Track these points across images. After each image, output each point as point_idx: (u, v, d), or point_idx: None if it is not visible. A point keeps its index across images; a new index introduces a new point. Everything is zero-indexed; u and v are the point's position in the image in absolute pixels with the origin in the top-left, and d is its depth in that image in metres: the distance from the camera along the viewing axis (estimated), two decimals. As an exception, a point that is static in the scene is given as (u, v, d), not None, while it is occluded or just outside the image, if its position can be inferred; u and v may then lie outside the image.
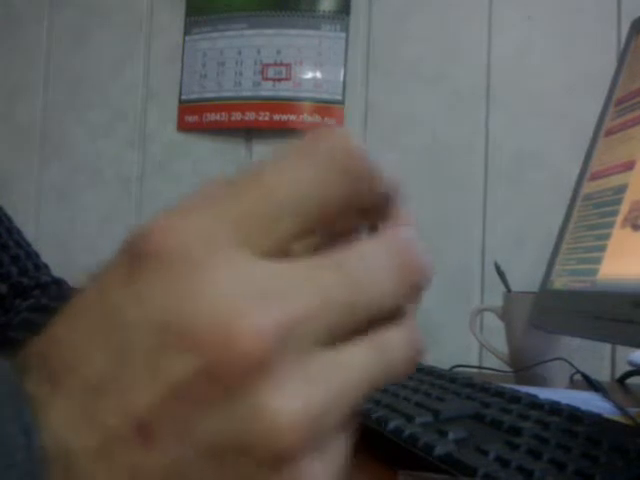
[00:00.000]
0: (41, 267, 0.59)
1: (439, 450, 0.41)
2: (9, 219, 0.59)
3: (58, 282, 0.59)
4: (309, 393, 0.17)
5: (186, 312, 0.17)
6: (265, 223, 0.18)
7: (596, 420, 0.46)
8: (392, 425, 0.47)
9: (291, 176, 0.19)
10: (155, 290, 0.17)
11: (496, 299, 0.94)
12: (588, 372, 0.84)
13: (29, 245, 0.59)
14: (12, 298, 0.55)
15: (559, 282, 0.70)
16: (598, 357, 1.10)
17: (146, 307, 0.17)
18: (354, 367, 0.18)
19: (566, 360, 0.82)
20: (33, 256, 0.58)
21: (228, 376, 0.16)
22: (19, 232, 0.59)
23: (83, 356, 0.17)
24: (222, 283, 0.17)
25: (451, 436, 0.44)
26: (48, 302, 0.56)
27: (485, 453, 0.40)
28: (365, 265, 0.19)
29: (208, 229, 0.18)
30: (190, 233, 0.18)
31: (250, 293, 0.17)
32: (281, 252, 0.19)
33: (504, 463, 0.38)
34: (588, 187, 0.70)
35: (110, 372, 0.17)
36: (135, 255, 0.18)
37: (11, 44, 1.40)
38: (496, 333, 0.94)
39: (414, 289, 0.20)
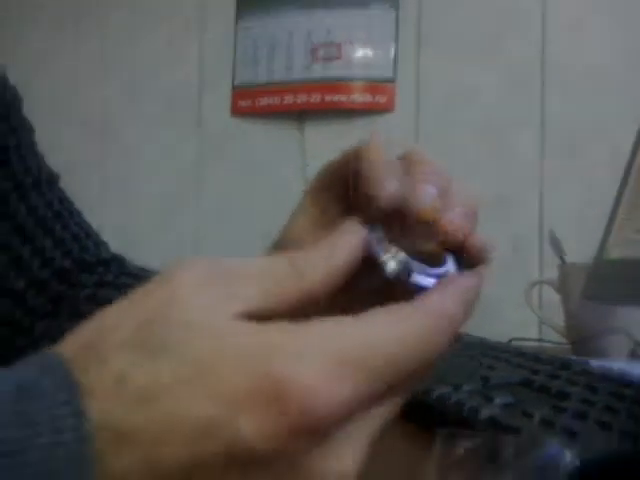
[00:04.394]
0: (101, 245, 0.62)
1: (484, 414, 0.41)
2: (70, 201, 0.62)
3: (117, 258, 0.62)
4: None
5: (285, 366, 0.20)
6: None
7: (647, 384, 0.45)
8: (437, 393, 0.47)
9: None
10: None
11: (555, 272, 0.93)
12: (651, 344, 0.82)
13: (89, 225, 0.62)
14: (77, 273, 0.58)
15: (615, 252, 0.69)
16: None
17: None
18: None
19: (626, 332, 0.80)
20: (93, 235, 0.62)
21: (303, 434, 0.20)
22: (79, 214, 0.62)
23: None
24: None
25: (497, 401, 0.44)
26: (113, 279, 0.59)
27: (530, 416, 0.40)
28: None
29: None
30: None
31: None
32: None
33: (549, 424, 0.38)
34: (643, 154, 0.68)
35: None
36: None
37: (70, 40, 1.45)
38: (556, 307, 0.92)
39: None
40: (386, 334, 0.22)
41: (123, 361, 0.21)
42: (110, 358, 0.21)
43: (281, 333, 0.21)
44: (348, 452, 0.22)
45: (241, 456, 0.20)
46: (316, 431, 0.21)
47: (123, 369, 0.20)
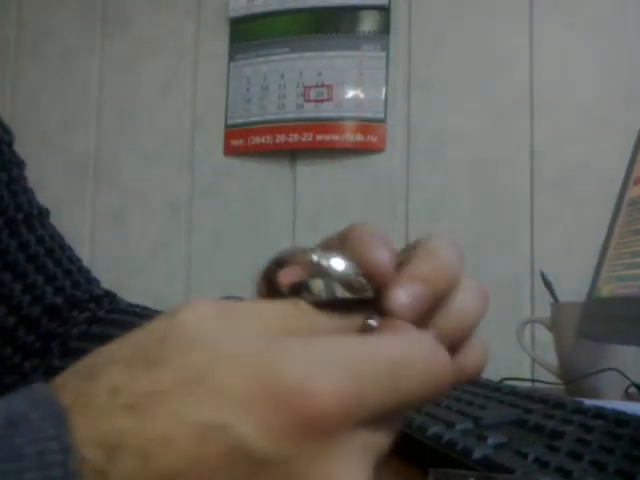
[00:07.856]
0: (92, 281, 0.61)
1: (477, 454, 0.41)
2: (61, 237, 0.61)
3: (109, 295, 0.61)
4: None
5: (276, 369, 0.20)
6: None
7: (642, 424, 0.45)
8: (432, 431, 0.46)
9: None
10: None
11: (547, 311, 0.92)
12: (645, 384, 0.81)
13: (80, 261, 0.62)
14: (68, 310, 0.57)
15: (606, 289, 0.69)
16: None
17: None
18: None
19: (619, 371, 0.80)
20: (84, 271, 0.61)
21: (311, 430, 0.20)
22: (70, 249, 0.62)
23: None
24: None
25: (490, 441, 0.43)
26: (104, 315, 0.58)
27: (524, 456, 0.39)
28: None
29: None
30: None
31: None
32: None
33: (543, 464, 0.37)
34: (633, 191, 0.69)
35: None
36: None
37: (66, 77, 1.47)
38: (549, 347, 0.92)
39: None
40: (389, 349, 0.23)
41: (116, 376, 0.20)
42: (101, 375, 0.20)
43: (283, 340, 0.22)
44: (355, 467, 0.22)
45: (245, 460, 0.19)
46: (324, 433, 0.20)
47: (117, 383, 0.20)
